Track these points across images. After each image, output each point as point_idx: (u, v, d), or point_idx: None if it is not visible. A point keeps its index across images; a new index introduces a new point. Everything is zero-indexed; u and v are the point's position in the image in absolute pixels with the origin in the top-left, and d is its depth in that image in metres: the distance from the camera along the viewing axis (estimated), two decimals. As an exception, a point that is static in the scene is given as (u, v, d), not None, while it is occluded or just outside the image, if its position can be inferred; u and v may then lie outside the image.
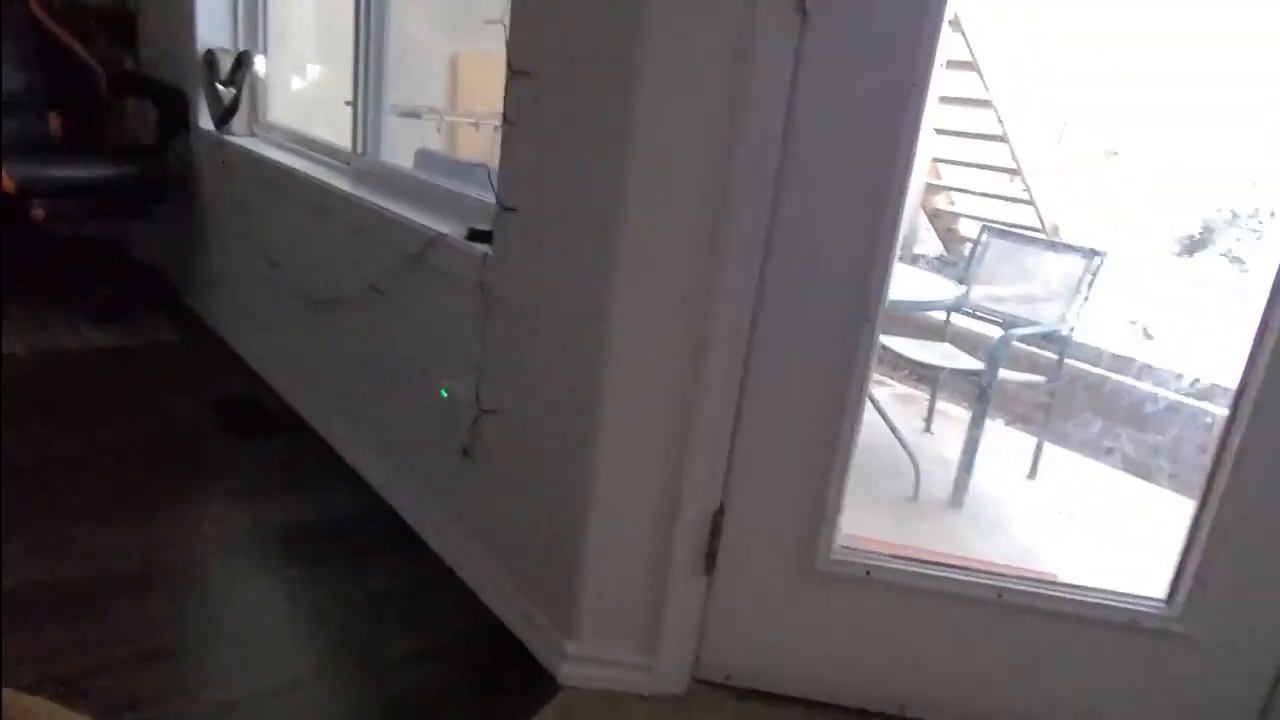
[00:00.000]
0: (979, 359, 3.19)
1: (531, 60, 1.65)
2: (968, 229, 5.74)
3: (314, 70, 3.48)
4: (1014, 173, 5.30)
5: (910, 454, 3.04)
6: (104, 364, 2.99)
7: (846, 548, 1.64)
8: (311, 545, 2.09)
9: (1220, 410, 3.45)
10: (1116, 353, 3.98)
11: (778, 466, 1.59)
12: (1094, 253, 3.24)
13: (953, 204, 5.86)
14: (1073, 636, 1.62)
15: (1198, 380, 3.71)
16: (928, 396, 3.67)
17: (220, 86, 3.07)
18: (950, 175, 5.73)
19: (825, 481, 1.58)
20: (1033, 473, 3.32)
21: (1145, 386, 3.74)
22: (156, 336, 3.25)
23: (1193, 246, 5.92)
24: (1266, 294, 1.49)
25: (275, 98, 3.18)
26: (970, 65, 4.88)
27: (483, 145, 3.77)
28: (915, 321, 3.64)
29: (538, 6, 1.65)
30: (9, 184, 2.91)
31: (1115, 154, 6.05)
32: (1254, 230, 5.60)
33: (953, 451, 3.08)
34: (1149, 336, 4.71)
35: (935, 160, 5.67)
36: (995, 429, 3.56)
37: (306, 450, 2.53)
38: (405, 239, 2.09)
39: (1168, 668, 1.61)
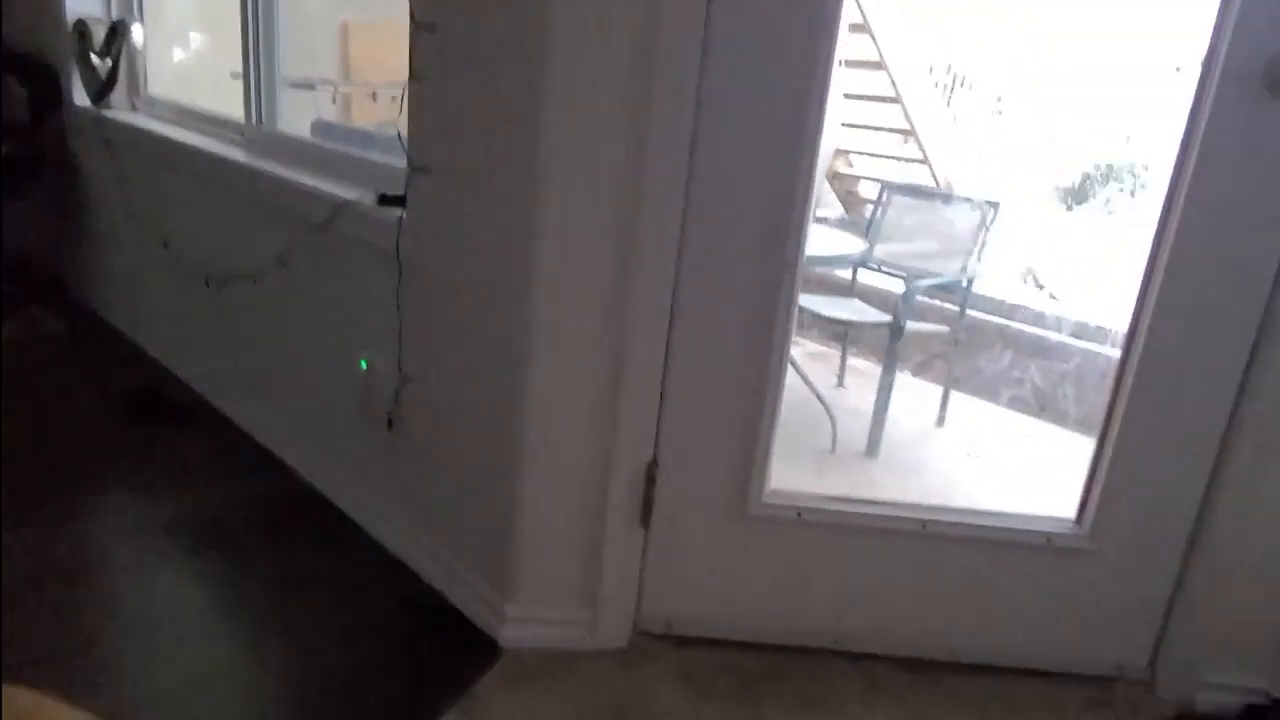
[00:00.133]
0: (886, 313, 3.29)
1: (436, 12, 1.61)
2: (867, 191, 5.88)
3: (196, 40, 3.31)
4: (908, 134, 5.45)
5: (826, 408, 3.12)
6: (-17, 360, 2.81)
7: (776, 491, 1.67)
8: (230, 531, 2.01)
9: (1107, 350, 3.66)
10: (1012, 301, 4.16)
11: (708, 415, 1.61)
12: (989, 204, 3.36)
13: (851, 166, 5.99)
14: (993, 560, 1.70)
15: (1086, 323, 3.91)
16: (839, 353, 3.76)
17: (95, 59, 2.89)
18: (848, 138, 5.85)
19: (755, 426, 1.61)
20: (941, 419, 3.45)
21: (1039, 331, 3.92)
22: (41, 328, 3.07)
23: (1075, 199, 6.21)
24: (1150, 243, 1.59)
25: (156, 70, 3.02)
26: (864, 28, 4.99)
27: (382, 115, 3.66)
28: (825, 281, 3.72)
29: (440, -42, 1.61)
30: None
31: (1000, 113, 6.28)
32: (1129, 184, 5.91)
33: (865, 404, 3.17)
34: (1040, 285, 4.93)
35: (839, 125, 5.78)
36: (904, 380, 3.68)
37: (218, 437, 2.43)
38: (311, 208, 2.02)
39: (1079, 581, 1.71)
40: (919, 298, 3.35)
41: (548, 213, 1.49)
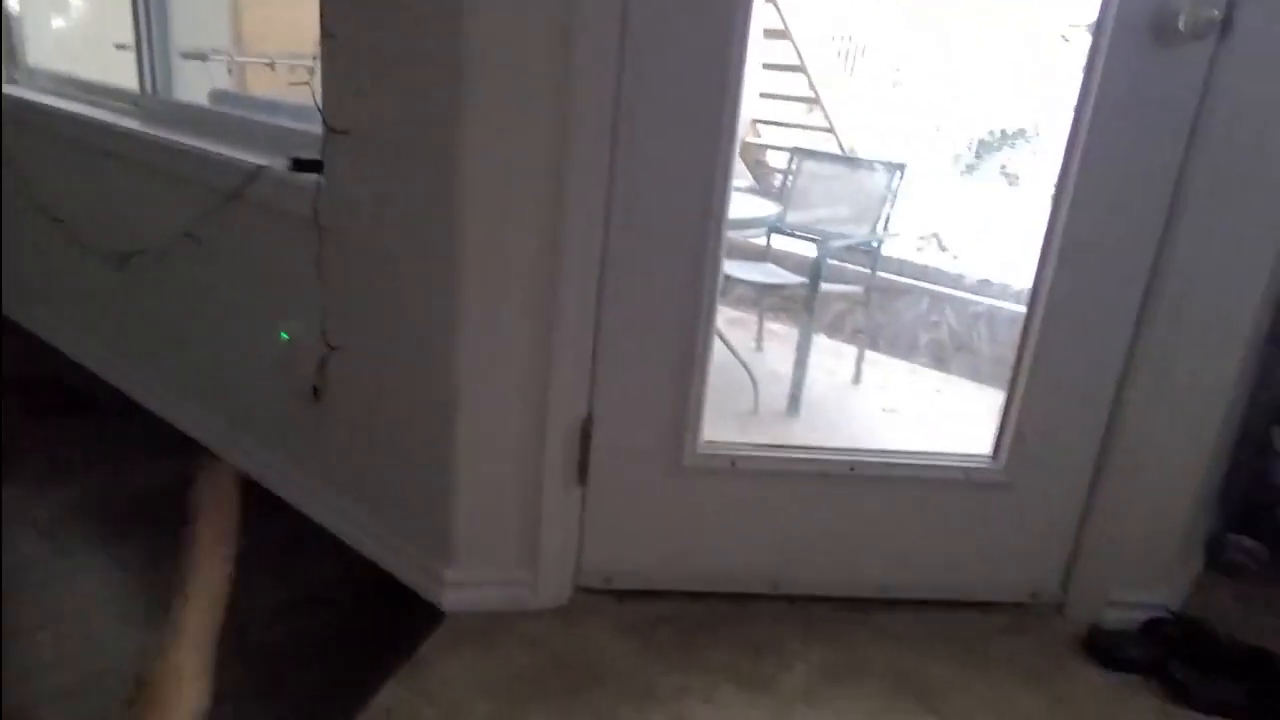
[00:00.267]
0: (801, 275, 3.36)
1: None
2: (775, 160, 5.97)
3: (78, 7, 3.13)
4: (813, 102, 5.56)
5: (748, 370, 3.18)
6: None
7: (710, 442, 1.71)
8: (149, 517, 1.94)
9: (1008, 304, 3.83)
10: (917, 262, 4.30)
11: (641, 370, 1.63)
12: (895, 167, 3.47)
13: (759, 136, 6.07)
14: (917, 498, 1.78)
15: (988, 280, 4.08)
16: (757, 318, 3.83)
17: (-36, 29, 2.71)
18: (757, 107, 5.93)
19: (687, 379, 1.63)
20: (857, 378, 3.55)
21: (945, 289, 4.07)
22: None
23: (971, 164, 6.43)
24: (1050, 204, 1.67)
25: (34, 39, 2.85)
26: (768, -2, 5.05)
27: (282, 86, 3.54)
28: (740, 246, 3.78)
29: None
30: None
31: (898, 84, 6.45)
32: (1023, 147, 6.15)
33: (784, 365, 3.25)
34: (943, 247, 5.11)
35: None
36: (821, 341, 3.78)
37: (128, 422, 2.34)
38: (218, 177, 1.95)
39: (996, 514, 1.80)
40: (831, 260, 3.44)
41: (473, 172, 1.48)
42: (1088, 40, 1.59)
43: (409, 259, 1.62)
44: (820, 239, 3.50)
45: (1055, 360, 1.72)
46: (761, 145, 6.19)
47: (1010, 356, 1.80)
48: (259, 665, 1.54)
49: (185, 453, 2.19)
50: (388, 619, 1.68)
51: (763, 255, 3.68)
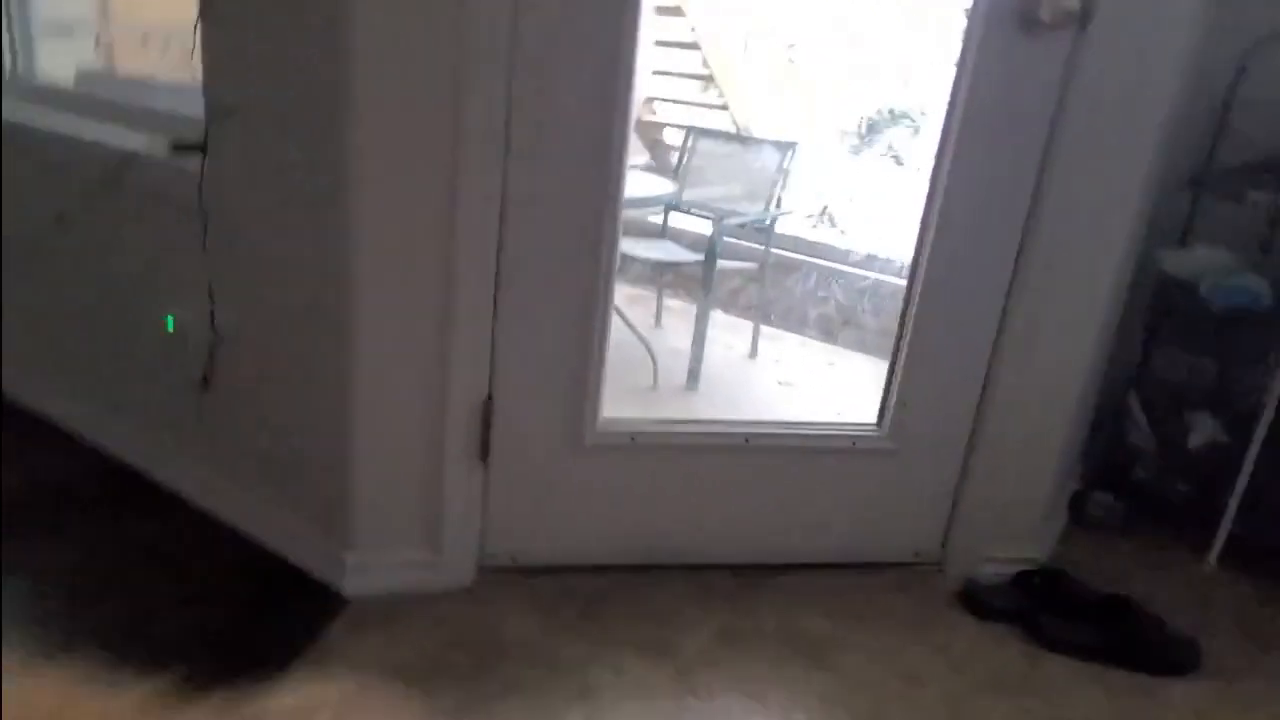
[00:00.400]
0: (698, 253, 3.43)
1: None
2: (671, 137, 6.01)
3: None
4: (708, 79, 5.61)
5: (647, 346, 3.24)
6: None
7: (609, 419, 1.75)
8: (31, 517, 1.86)
9: (892, 279, 3.98)
10: (810, 238, 4.43)
11: (540, 351, 1.66)
12: (787, 145, 3.56)
13: (654, 113, 6.10)
14: (808, 466, 1.86)
15: (875, 255, 4.23)
16: (655, 295, 3.89)
17: None
18: (653, 85, 5.95)
19: (586, 358, 1.67)
20: (753, 352, 3.65)
21: (836, 265, 4.20)
22: None
23: (862, 141, 6.62)
24: (927, 186, 1.77)
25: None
26: (662, -25, 5.06)
27: (155, 62, 3.37)
28: (637, 225, 3.82)
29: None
30: None
31: (793, 61, 6.58)
32: (910, 126, 6.36)
33: (683, 341, 3.32)
34: (834, 223, 5.27)
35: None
36: (718, 317, 3.86)
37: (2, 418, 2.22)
38: (92, 162, 1.87)
39: (882, 479, 1.91)
40: (727, 237, 3.52)
41: (366, 150, 1.47)
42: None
43: (300, 242, 1.60)
44: (716, 216, 3.57)
45: (933, 332, 1.82)
46: (658, 123, 6.23)
47: (894, 329, 1.90)
48: (154, 662, 1.51)
49: (69, 451, 2.10)
50: (289, 608, 1.67)
51: (660, 233, 3.72)
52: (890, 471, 1.90)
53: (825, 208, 5.43)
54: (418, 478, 1.67)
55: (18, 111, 2.10)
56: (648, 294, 4.01)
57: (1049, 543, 2.11)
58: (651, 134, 6.23)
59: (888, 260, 4.22)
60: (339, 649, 1.56)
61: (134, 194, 1.83)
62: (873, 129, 6.73)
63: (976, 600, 1.88)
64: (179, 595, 1.67)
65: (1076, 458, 2.28)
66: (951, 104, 1.71)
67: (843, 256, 4.31)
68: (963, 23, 1.71)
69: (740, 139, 4.70)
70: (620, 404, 1.82)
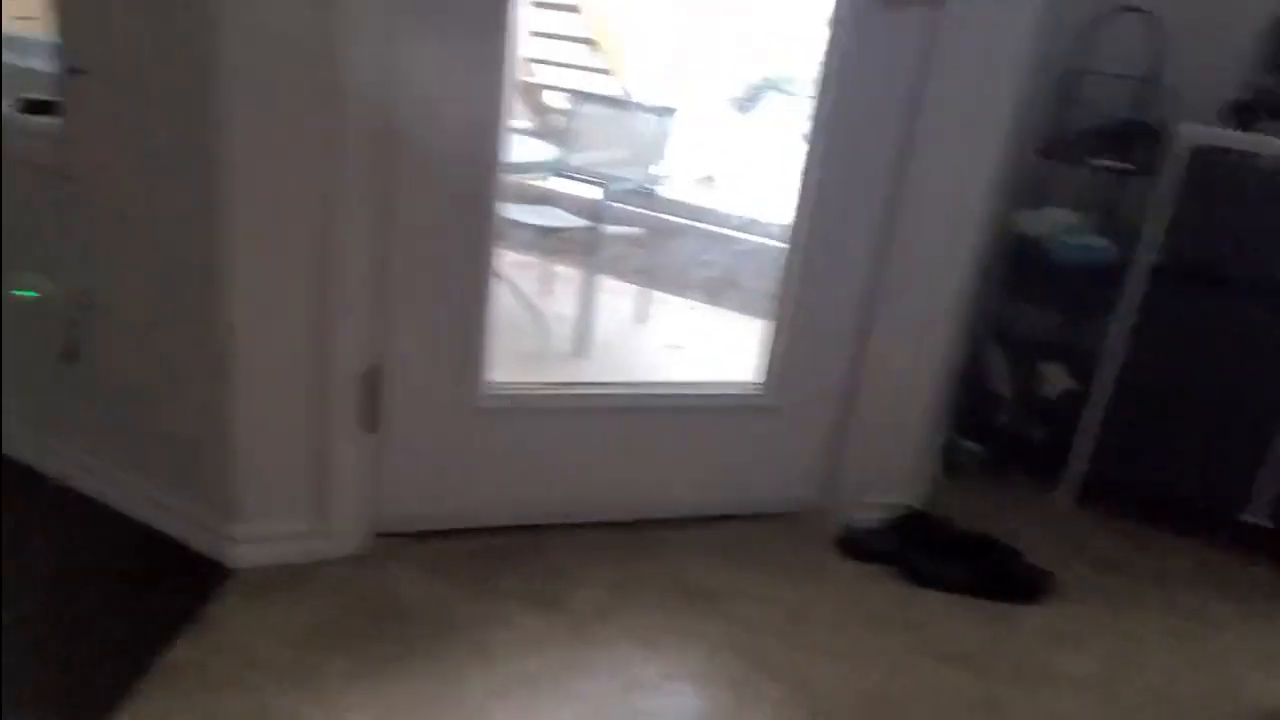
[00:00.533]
0: (584, 218, 3.44)
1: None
2: (557, 103, 5.96)
3: None
4: (591, 43, 5.59)
5: (535, 313, 3.24)
6: None
7: (499, 383, 1.76)
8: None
9: (774, 242, 4.09)
10: (694, 203, 4.50)
11: (427, 316, 1.65)
12: (667, 110, 3.59)
13: (534, 75, 6.03)
14: (695, 424, 1.93)
15: (757, 219, 4.33)
16: (542, 262, 3.88)
17: None
18: (536, 47, 5.87)
19: (474, 322, 1.67)
20: (642, 317, 3.70)
21: (717, 229, 4.29)
22: None
23: (744, 107, 6.73)
24: (805, 151, 1.83)
25: None
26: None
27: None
28: (523, 191, 3.79)
29: None
30: None
31: (679, 27, 6.60)
32: (790, 92, 6.49)
33: (572, 308, 3.33)
34: (718, 188, 5.35)
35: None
36: (606, 282, 3.89)
37: None
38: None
39: (765, 435, 1.99)
40: (612, 202, 3.54)
41: (235, 108, 1.41)
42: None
43: (166, 204, 1.53)
44: (601, 181, 3.59)
45: (810, 293, 1.90)
46: (542, 86, 6.16)
47: (775, 291, 1.97)
48: (32, 648, 1.45)
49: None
50: (173, 584, 1.62)
51: (546, 198, 3.71)
52: (772, 427, 1.98)
53: (710, 173, 5.51)
54: (304, 447, 1.64)
55: None
56: (536, 261, 4.01)
57: (921, 488, 2.25)
58: (536, 97, 6.16)
59: (769, 224, 4.33)
60: (225, 621, 1.53)
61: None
62: (755, 94, 6.84)
63: (855, 544, 1.99)
64: (50, 578, 1.60)
65: (945, 408, 2.43)
66: (824, 72, 1.78)
67: (726, 221, 4.40)
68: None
69: (623, 104, 4.71)
70: (511, 371, 1.84)
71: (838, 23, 1.72)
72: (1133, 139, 2.19)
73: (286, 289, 1.54)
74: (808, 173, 1.83)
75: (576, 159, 3.71)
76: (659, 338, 3.65)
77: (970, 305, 2.26)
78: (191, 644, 1.47)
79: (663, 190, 3.89)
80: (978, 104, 1.78)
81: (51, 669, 1.41)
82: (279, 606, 1.58)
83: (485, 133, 1.56)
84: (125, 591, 1.60)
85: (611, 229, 3.42)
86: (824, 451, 2.04)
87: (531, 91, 6.12)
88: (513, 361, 3.08)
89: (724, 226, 4.27)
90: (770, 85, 6.67)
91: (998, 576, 1.93)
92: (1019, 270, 2.39)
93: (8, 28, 2.09)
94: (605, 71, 5.90)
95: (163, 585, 1.62)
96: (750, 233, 4.24)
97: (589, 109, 3.87)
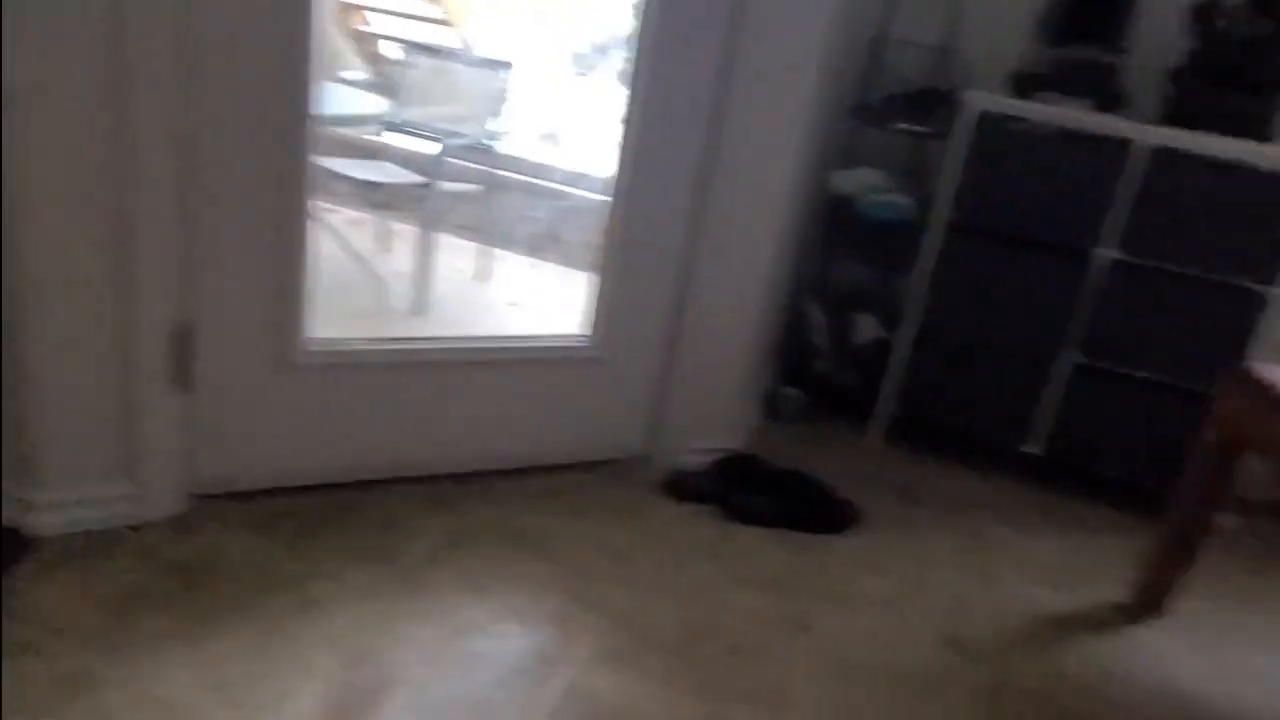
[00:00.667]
0: (419, 174, 3.38)
1: None
2: (392, 53, 5.76)
3: None
4: (428, -7, 5.42)
5: (370, 271, 3.18)
6: None
7: (321, 339, 1.74)
8: None
9: (605, 198, 4.15)
10: (533, 159, 4.49)
11: (240, 273, 1.61)
12: (505, 65, 3.56)
13: (369, 24, 5.81)
14: (523, 377, 1.97)
15: (588, 175, 4.36)
16: (379, 218, 3.79)
17: None
18: (364, -5, 5.64)
19: (290, 277, 1.64)
20: (482, 274, 3.69)
21: (559, 186, 4.30)
22: None
23: (587, 64, 6.72)
24: (624, 107, 1.88)
25: None
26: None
27: None
28: (356, 145, 3.68)
29: None
30: None
31: (517, -20, 6.49)
32: (628, 49, 6.52)
33: (409, 266, 3.29)
34: (559, 144, 5.35)
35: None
36: (446, 240, 3.84)
37: None
38: None
39: (593, 385, 2.05)
40: (450, 158, 3.49)
41: (10, 39, 1.33)
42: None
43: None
44: (436, 137, 3.53)
45: (634, 245, 1.97)
46: (376, 35, 5.94)
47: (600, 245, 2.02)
48: None
49: None
50: (-36, 555, 1.53)
51: (380, 153, 3.62)
52: (600, 378, 2.05)
53: (551, 129, 5.49)
54: (112, 408, 1.58)
55: None
56: (372, 217, 3.91)
57: (744, 433, 2.38)
58: (368, 46, 5.94)
59: (598, 179, 4.37)
60: (27, 589, 1.47)
61: None
62: (599, 51, 6.84)
63: (679, 486, 2.10)
64: None
65: (767, 357, 2.57)
66: (639, 30, 1.83)
67: (569, 178, 4.42)
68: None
69: (459, 57, 4.62)
70: (345, 331, 1.82)
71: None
72: (930, 104, 2.37)
73: (82, 242, 1.46)
74: (627, 128, 1.88)
75: (410, 113, 3.63)
76: (500, 295, 3.65)
77: (789, 260, 2.40)
78: (-12, 615, 1.40)
79: (502, 146, 3.86)
80: (785, 67, 1.88)
81: None
82: (86, 573, 1.53)
83: (293, 81, 1.52)
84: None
85: (448, 185, 3.38)
86: (650, 400, 2.13)
87: (365, 40, 5.89)
88: (348, 320, 3.03)
89: (563, 183, 4.29)
90: (613, 43, 6.68)
91: (810, 510, 2.09)
92: (833, 227, 2.55)
93: None
94: (444, 23, 5.75)
95: (-46, 558, 1.53)
96: (593, 189, 4.27)
97: (424, 61, 3.78)
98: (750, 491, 2.09)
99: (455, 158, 3.62)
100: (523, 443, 2.03)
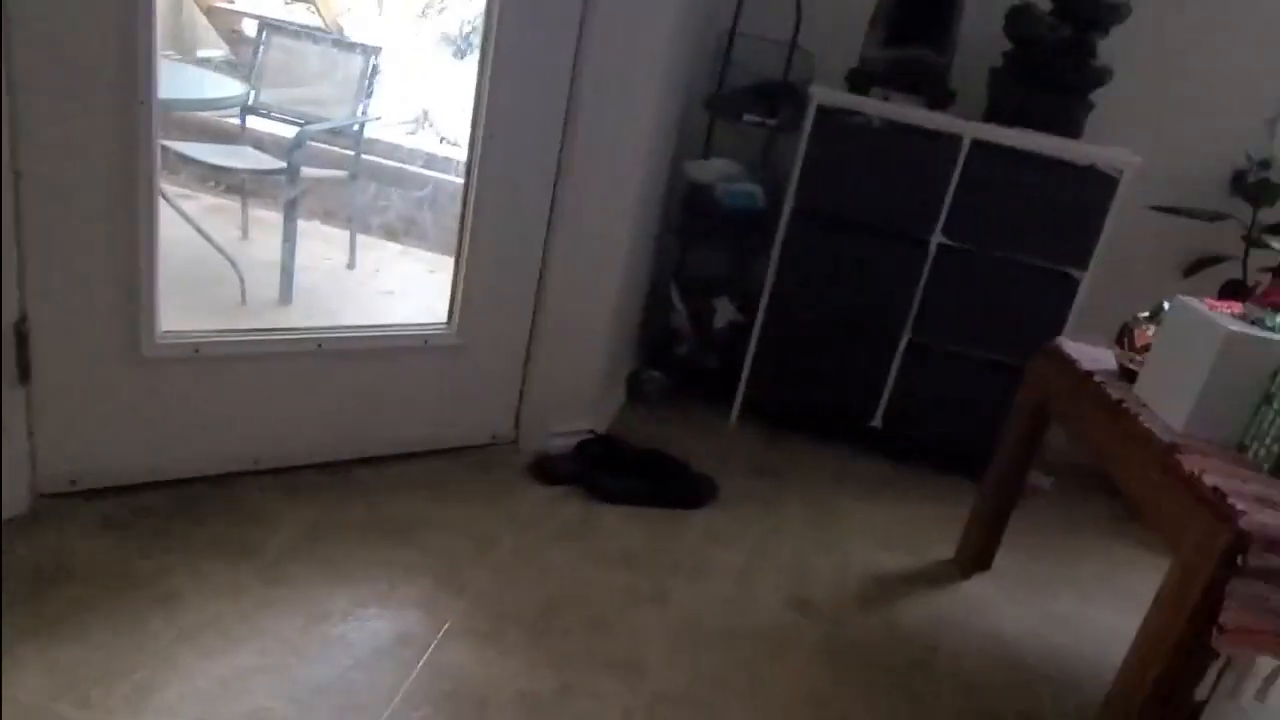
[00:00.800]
0: (281, 159, 3.31)
1: None
2: (253, 31, 5.56)
3: None
4: (290, -29, 5.25)
5: (230, 260, 3.09)
6: None
7: (171, 332, 1.72)
8: None
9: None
10: (404, 144, 4.44)
11: (80, 266, 1.57)
12: (372, 49, 3.51)
13: (232, 1, 5.59)
14: (383, 365, 1.99)
15: (453, 160, 4.35)
16: (239, 205, 3.69)
17: None
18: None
19: (135, 269, 1.62)
20: (351, 262, 3.64)
21: (429, 173, 4.27)
22: None
23: (460, 49, 6.65)
24: (475, 92, 1.91)
25: None
26: None
27: None
28: (212, 128, 3.57)
29: None
30: None
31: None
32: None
33: (273, 254, 3.22)
34: (432, 129, 5.30)
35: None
36: (312, 228, 3.77)
37: None
38: None
39: (455, 372, 2.09)
40: (315, 143, 3.42)
41: None
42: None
43: None
44: (300, 120, 3.45)
45: (490, 233, 2.01)
46: (236, 12, 5.72)
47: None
48: None
49: None
50: None
51: (238, 137, 3.52)
52: (462, 364, 2.09)
53: (424, 113, 5.43)
54: (-58, 408, 1.53)
55: None
56: (232, 203, 3.79)
57: (608, 416, 2.47)
58: (229, 24, 5.71)
59: (460, 163, 4.36)
60: None
61: None
62: (473, 35, 6.77)
63: (545, 469, 2.17)
64: None
65: (632, 342, 2.67)
66: (486, 22, 1.87)
67: (438, 162, 4.39)
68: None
69: (321, 37, 4.51)
70: (205, 322, 1.79)
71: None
72: (778, 98, 2.49)
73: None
74: (479, 105, 1.91)
75: (271, 95, 3.54)
76: (371, 284, 3.61)
77: (649, 247, 2.49)
78: None
79: (376, 131, 3.80)
80: (633, 59, 1.95)
81: None
82: (-78, 579, 1.48)
83: (131, 60, 1.49)
84: None
85: (311, 171, 3.32)
86: (513, 385, 2.19)
87: (223, 17, 5.66)
88: (207, 312, 2.96)
89: (433, 168, 4.26)
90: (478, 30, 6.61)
91: (669, 487, 2.19)
92: (691, 215, 2.65)
93: None
94: (311, 3, 5.58)
95: None
96: (451, 173, 4.26)
97: (282, 41, 3.68)
98: (613, 472, 2.18)
99: (322, 142, 3.55)
100: (386, 431, 2.05)
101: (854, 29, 2.48)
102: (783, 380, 2.59)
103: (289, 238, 3.16)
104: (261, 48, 3.58)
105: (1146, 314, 1.76)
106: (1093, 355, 1.88)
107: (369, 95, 3.56)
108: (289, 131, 3.49)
